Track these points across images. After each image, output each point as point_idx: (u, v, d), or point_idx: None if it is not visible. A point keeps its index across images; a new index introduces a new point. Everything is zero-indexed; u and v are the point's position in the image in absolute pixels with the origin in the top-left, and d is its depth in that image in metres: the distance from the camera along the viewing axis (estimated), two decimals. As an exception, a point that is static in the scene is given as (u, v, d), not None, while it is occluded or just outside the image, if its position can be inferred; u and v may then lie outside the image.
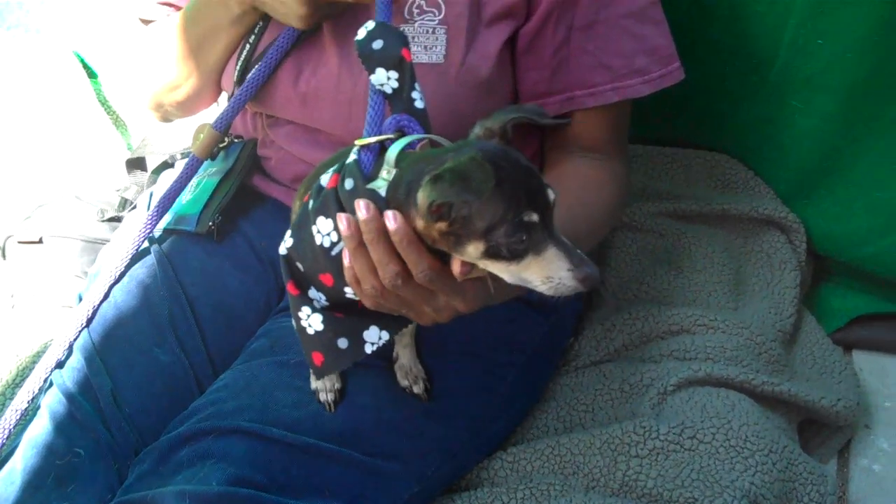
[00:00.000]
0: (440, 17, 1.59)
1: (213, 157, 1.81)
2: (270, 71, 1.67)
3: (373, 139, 1.25)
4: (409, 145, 1.24)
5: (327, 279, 1.32)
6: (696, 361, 1.89)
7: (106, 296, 1.74)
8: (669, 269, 2.15)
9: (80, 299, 1.80)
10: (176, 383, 1.66)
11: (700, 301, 2.08)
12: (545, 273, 1.15)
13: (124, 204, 2.26)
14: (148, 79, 1.85)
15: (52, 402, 1.62)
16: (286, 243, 1.35)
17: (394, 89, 1.31)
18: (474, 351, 1.71)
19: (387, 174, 1.21)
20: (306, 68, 1.66)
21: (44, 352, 1.71)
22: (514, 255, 1.14)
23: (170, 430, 1.53)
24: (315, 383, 1.54)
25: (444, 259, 1.20)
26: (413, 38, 1.58)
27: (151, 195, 1.97)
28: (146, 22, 1.86)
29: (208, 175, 1.82)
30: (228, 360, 1.69)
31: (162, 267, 1.76)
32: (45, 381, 1.67)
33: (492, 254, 1.14)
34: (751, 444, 1.68)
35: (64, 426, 1.58)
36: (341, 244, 1.25)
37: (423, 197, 1.12)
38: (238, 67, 1.72)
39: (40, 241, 2.23)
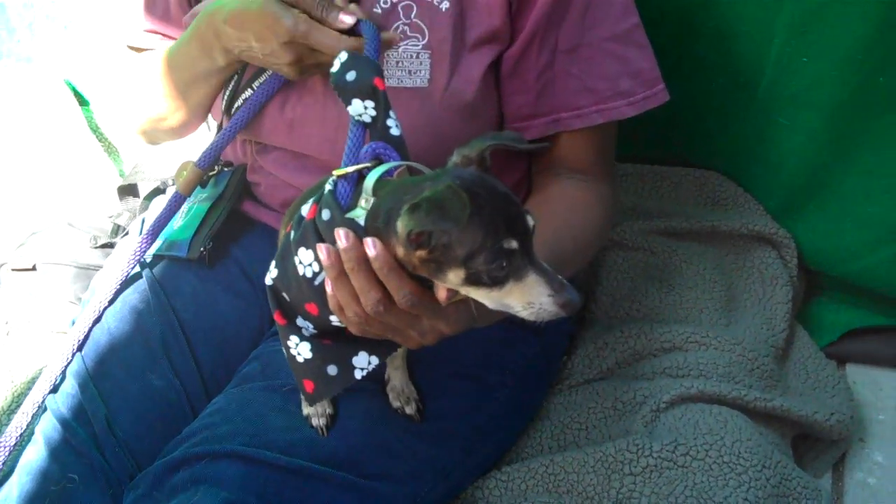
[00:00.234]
0: (424, 41, 1.60)
1: (202, 184, 1.82)
2: (256, 110, 1.69)
3: (350, 168, 1.26)
4: (387, 173, 1.25)
5: (312, 308, 1.32)
6: (689, 378, 1.89)
7: (98, 318, 1.75)
8: (661, 286, 2.15)
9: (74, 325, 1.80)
10: (169, 408, 1.66)
11: (692, 318, 2.08)
12: (526, 299, 1.16)
13: (117, 230, 2.27)
14: (135, 110, 1.86)
15: (47, 428, 1.62)
16: (271, 274, 1.36)
17: (372, 118, 1.32)
18: (466, 371, 1.72)
19: (365, 203, 1.22)
20: (293, 95, 1.67)
21: (39, 377, 1.72)
22: (495, 282, 1.15)
23: (164, 455, 1.53)
24: (307, 409, 1.55)
25: (424, 283, 1.21)
26: (397, 62, 1.59)
27: (143, 221, 1.97)
28: (135, 49, 1.87)
29: (199, 201, 1.83)
30: (222, 384, 1.69)
31: (154, 292, 1.76)
32: (40, 406, 1.68)
33: (472, 280, 1.15)
34: (744, 460, 1.68)
35: (58, 452, 1.59)
36: (323, 274, 1.25)
37: (401, 226, 1.12)
38: (226, 98, 1.73)
39: (34, 269, 2.23)
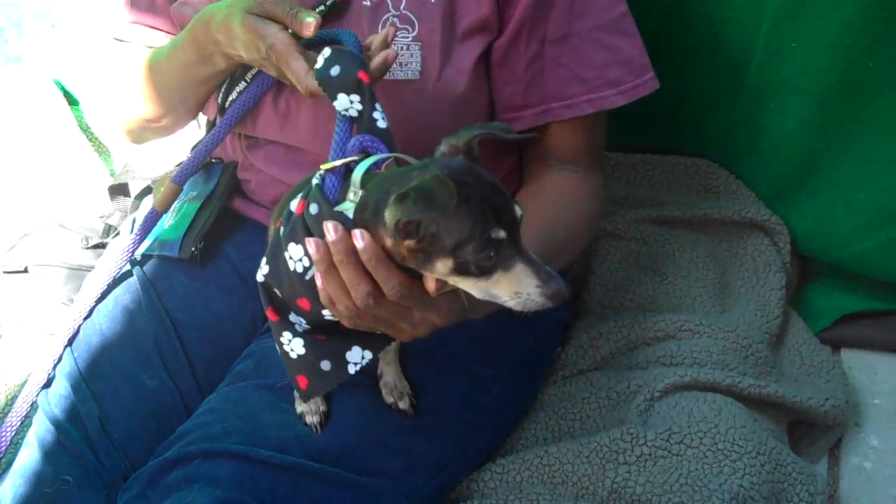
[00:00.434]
0: (414, 33, 1.60)
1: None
2: (241, 116, 1.69)
3: (338, 162, 1.26)
4: (375, 165, 1.25)
5: (304, 303, 1.33)
6: (683, 367, 1.89)
7: (88, 315, 1.76)
8: (654, 275, 2.15)
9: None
10: (163, 408, 1.66)
11: (685, 306, 2.08)
12: (514, 289, 1.16)
13: (108, 230, 2.26)
14: (124, 111, 1.86)
15: (40, 430, 1.62)
16: (262, 270, 1.36)
17: (359, 112, 1.32)
18: (459, 365, 1.72)
19: (353, 196, 1.22)
20: (286, 88, 1.67)
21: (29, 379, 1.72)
22: (483, 272, 1.15)
23: (157, 455, 1.53)
24: (300, 407, 1.54)
25: (414, 275, 1.21)
26: None
27: (134, 221, 1.97)
28: (121, 41, 1.86)
29: (189, 200, 1.82)
30: (215, 383, 1.69)
31: (146, 292, 1.76)
32: (32, 403, 1.69)
33: (460, 270, 1.15)
34: (738, 447, 1.68)
35: (52, 454, 1.59)
36: (314, 268, 1.25)
37: (389, 216, 1.13)
38: (221, 93, 1.73)
39: (25, 271, 2.23)
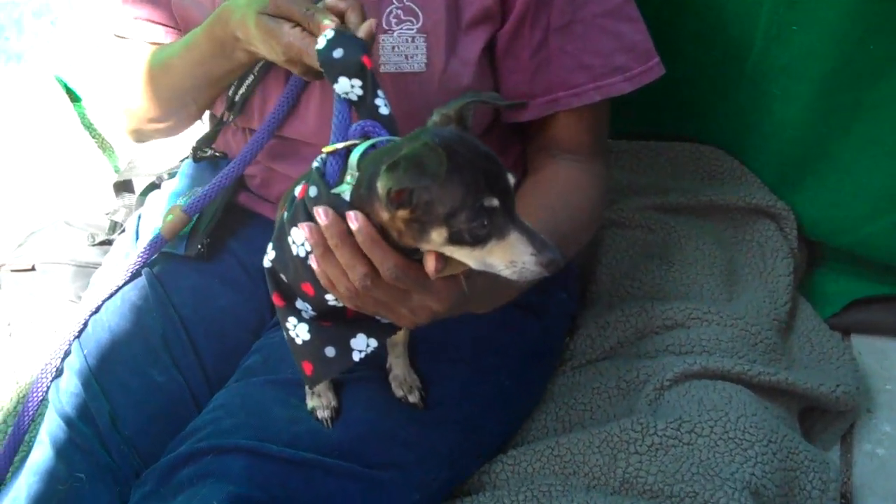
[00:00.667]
0: (418, 25, 1.59)
1: (196, 160, 1.87)
2: (259, 149, 1.68)
3: (340, 145, 1.27)
4: (373, 148, 1.25)
5: (308, 288, 1.33)
6: (692, 355, 1.89)
7: (96, 310, 1.76)
8: (661, 263, 2.15)
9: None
10: (173, 403, 1.66)
11: (693, 294, 2.08)
12: (509, 258, 1.16)
13: (114, 227, 2.26)
14: (128, 111, 1.86)
15: (52, 428, 1.63)
16: (269, 256, 1.37)
17: (359, 96, 1.33)
18: (468, 357, 1.71)
19: (350, 178, 1.22)
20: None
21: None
22: (477, 240, 1.15)
23: (169, 451, 1.54)
24: (311, 402, 1.55)
25: (412, 258, 1.21)
26: (393, 47, 1.59)
27: (140, 217, 1.97)
28: (122, 38, 1.86)
29: (193, 195, 1.81)
30: (224, 378, 1.69)
31: (153, 289, 1.76)
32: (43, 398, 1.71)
33: (455, 239, 1.15)
34: (749, 435, 1.68)
35: (64, 451, 1.59)
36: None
37: (381, 186, 1.13)
38: (231, 89, 1.72)
39: (33, 269, 2.23)
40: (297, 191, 1.30)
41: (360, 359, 1.40)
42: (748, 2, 2.08)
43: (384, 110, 1.33)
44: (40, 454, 1.61)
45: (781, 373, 1.85)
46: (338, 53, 1.34)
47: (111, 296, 1.77)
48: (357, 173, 1.22)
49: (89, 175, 2.70)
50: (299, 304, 1.39)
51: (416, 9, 1.59)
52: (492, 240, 1.15)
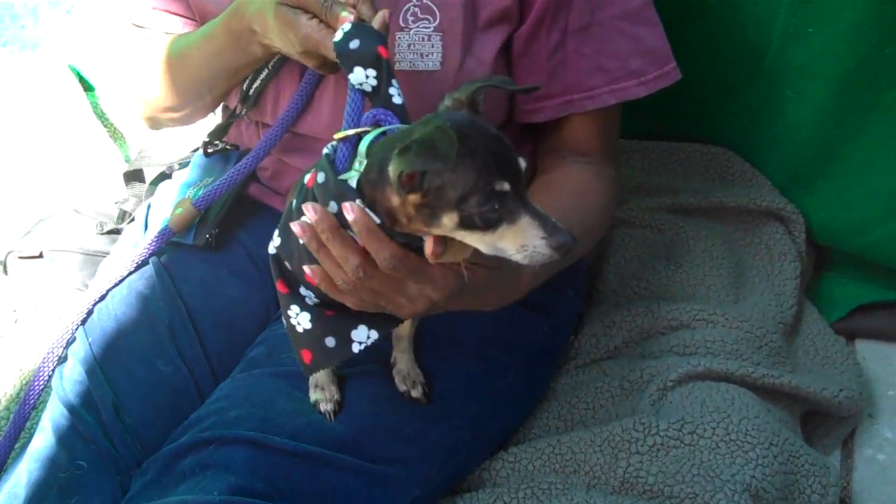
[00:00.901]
0: (435, 23, 1.59)
1: (207, 155, 1.86)
2: (265, 153, 1.69)
3: (350, 132, 1.28)
4: (384, 135, 1.26)
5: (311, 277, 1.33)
6: (696, 356, 1.89)
7: (101, 298, 1.76)
8: (668, 263, 2.15)
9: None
10: (177, 393, 1.66)
11: (699, 295, 2.08)
12: (520, 241, 1.16)
13: (123, 216, 2.27)
14: (144, 100, 1.86)
15: (55, 415, 1.63)
16: (274, 242, 1.37)
17: (373, 87, 1.33)
18: (473, 353, 1.72)
19: (359, 165, 1.23)
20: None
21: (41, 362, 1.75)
22: (488, 225, 1.15)
23: (172, 441, 1.54)
24: (315, 395, 1.55)
25: (409, 247, 1.22)
26: (409, 45, 1.59)
27: (150, 207, 1.97)
28: (140, 27, 1.87)
29: (205, 185, 1.82)
30: (229, 369, 1.69)
31: (160, 278, 1.76)
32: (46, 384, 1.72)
33: (466, 224, 1.15)
34: (751, 438, 1.68)
35: (66, 439, 1.60)
36: None
37: (392, 169, 1.13)
38: (246, 82, 1.73)
39: (41, 256, 2.24)
40: (307, 179, 1.31)
41: (360, 350, 1.40)
42: (764, 3, 2.07)
43: (397, 100, 1.33)
44: (42, 441, 1.61)
45: (785, 376, 1.85)
46: (354, 44, 1.34)
47: (117, 284, 1.77)
48: (365, 160, 1.22)
49: (100, 164, 2.71)
50: (303, 290, 1.39)
51: (434, 7, 1.59)
52: (503, 224, 1.15)
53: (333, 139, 1.29)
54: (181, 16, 1.82)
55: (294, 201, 1.33)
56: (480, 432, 1.70)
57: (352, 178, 1.22)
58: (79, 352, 1.70)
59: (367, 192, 1.20)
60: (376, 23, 1.41)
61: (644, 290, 2.10)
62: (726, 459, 1.65)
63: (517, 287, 1.46)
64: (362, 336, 1.39)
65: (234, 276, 1.81)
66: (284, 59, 1.66)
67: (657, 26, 1.71)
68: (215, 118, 1.94)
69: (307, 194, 1.29)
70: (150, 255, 1.79)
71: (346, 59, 1.35)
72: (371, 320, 1.39)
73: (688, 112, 2.34)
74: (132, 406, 1.63)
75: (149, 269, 1.79)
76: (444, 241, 1.19)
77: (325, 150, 1.28)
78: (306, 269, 1.26)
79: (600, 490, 1.66)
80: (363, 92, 1.35)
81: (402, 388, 1.61)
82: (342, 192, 1.21)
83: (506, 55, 1.67)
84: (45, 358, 1.72)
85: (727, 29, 2.17)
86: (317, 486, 1.48)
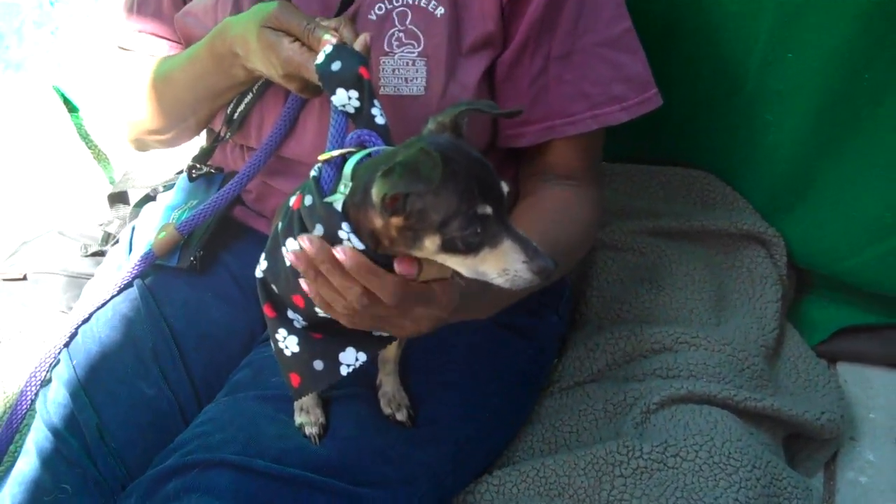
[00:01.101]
0: (419, 48, 1.60)
1: (191, 179, 1.86)
2: (249, 179, 1.69)
3: (335, 153, 1.28)
4: (369, 157, 1.26)
5: (299, 300, 1.33)
6: (679, 379, 1.90)
7: (86, 319, 1.76)
8: (650, 287, 2.16)
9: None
10: (161, 416, 1.66)
11: (682, 318, 2.09)
12: (501, 265, 1.17)
13: (107, 238, 2.26)
14: (130, 122, 1.87)
15: (39, 438, 1.63)
16: (261, 266, 1.38)
17: (356, 108, 1.35)
18: (458, 376, 1.72)
19: (344, 188, 1.23)
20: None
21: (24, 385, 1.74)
22: (470, 248, 1.16)
23: (156, 464, 1.53)
24: (300, 418, 1.55)
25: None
26: (393, 70, 1.60)
27: (134, 229, 1.97)
28: (125, 50, 1.87)
29: (189, 208, 1.82)
30: (214, 392, 1.69)
31: (144, 301, 1.76)
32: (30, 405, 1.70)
33: (448, 247, 1.16)
34: (734, 461, 1.68)
35: (50, 462, 1.59)
36: None
37: (376, 192, 1.14)
38: (231, 106, 1.74)
39: (24, 278, 2.23)
40: (292, 201, 1.31)
41: (348, 373, 1.40)
42: (744, 28, 2.10)
43: (380, 120, 1.35)
44: (26, 464, 1.60)
45: (767, 399, 1.86)
46: (336, 66, 1.36)
47: (101, 306, 1.77)
48: (351, 183, 1.22)
49: (84, 185, 2.71)
50: (290, 314, 1.39)
51: (418, 32, 1.60)
52: (484, 248, 1.16)
53: (318, 160, 1.29)
54: (167, 39, 1.83)
55: (280, 224, 1.33)
56: (465, 455, 1.70)
57: (337, 200, 1.23)
58: (63, 375, 1.69)
59: (352, 214, 1.20)
60: (358, 45, 1.43)
61: (627, 313, 2.11)
62: (710, 482, 1.66)
63: (510, 293, 1.47)
64: (350, 358, 1.39)
65: (219, 298, 1.81)
66: (269, 83, 1.67)
67: (638, 53, 1.72)
68: (200, 140, 1.95)
69: (292, 217, 1.29)
70: (133, 278, 1.78)
71: (329, 81, 1.36)
72: (359, 342, 1.39)
73: (669, 136, 2.36)
74: (116, 429, 1.62)
75: (133, 292, 1.78)
76: (418, 262, 1.19)
77: (311, 173, 1.29)
78: (303, 283, 1.24)
79: (584, 513, 1.67)
80: (346, 113, 1.36)
81: (387, 410, 1.61)
82: (328, 216, 1.22)
83: (489, 80, 1.68)
84: (28, 381, 1.72)
85: (707, 54, 2.19)
86: (300, 509, 1.47)
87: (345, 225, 1.20)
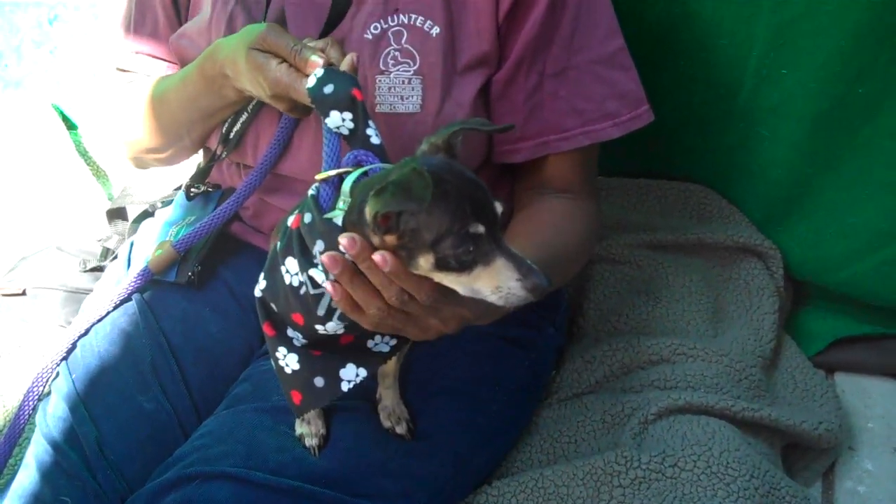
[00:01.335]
0: (415, 67, 1.61)
1: (189, 198, 1.86)
2: (245, 198, 1.71)
3: (332, 172, 1.29)
4: (366, 175, 1.27)
5: (298, 318, 1.34)
6: (677, 390, 1.90)
7: (84, 333, 1.76)
8: (648, 299, 2.17)
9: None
10: (160, 430, 1.66)
11: (679, 330, 2.10)
12: (495, 283, 1.18)
13: (106, 254, 2.27)
14: (128, 141, 1.88)
15: (38, 452, 1.63)
16: (260, 285, 1.38)
17: (350, 129, 1.35)
18: (457, 388, 1.72)
19: (343, 204, 1.24)
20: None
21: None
22: (463, 267, 1.17)
23: (155, 477, 1.53)
24: (300, 429, 1.55)
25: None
26: (390, 88, 1.61)
27: (132, 245, 1.98)
28: (123, 71, 1.89)
29: (187, 224, 1.83)
30: (212, 406, 1.69)
31: (143, 315, 1.76)
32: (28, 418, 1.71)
33: (441, 265, 1.17)
34: (732, 470, 1.69)
35: (50, 475, 1.59)
36: (309, 285, 1.28)
37: (368, 210, 1.16)
38: (225, 126, 1.75)
39: (23, 293, 2.23)
40: (291, 221, 1.32)
41: (349, 389, 1.41)
42: (738, 44, 2.11)
43: (375, 140, 1.36)
44: (26, 478, 1.60)
45: (765, 409, 1.87)
46: (328, 89, 1.37)
47: (99, 320, 1.78)
48: (349, 199, 1.24)
49: (83, 202, 2.72)
50: (290, 332, 1.40)
51: (414, 51, 1.61)
52: (478, 266, 1.17)
53: (315, 180, 1.30)
54: (163, 59, 1.85)
55: (278, 244, 1.34)
56: (464, 467, 1.70)
57: (337, 216, 1.24)
58: (62, 388, 1.70)
59: (350, 231, 1.21)
60: (345, 65, 1.44)
61: (624, 325, 2.12)
62: (707, 492, 1.66)
63: None
64: (351, 374, 1.40)
65: (217, 312, 1.82)
66: (263, 102, 1.68)
67: (631, 70, 1.74)
68: (198, 157, 1.96)
69: (291, 236, 1.30)
70: (131, 293, 1.79)
71: (322, 104, 1.37)
72: (359, 358, 1.40)
73: (665, 150, 2.38)
74: (115, 442, 1.62)
75: (132, 307, 1.79)
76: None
77: (310, 192, 1.30)
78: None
79: (583, 523, 1.67)
80: (340, 135, 1.37)
81: (386, 424, 1.61)
82: (329, 231, 1.23)
83: (484, 98, 1.69)
84: (27, 394, 1.72)
85: (702, 70, 2.20)
86: (300, 521, 1.47)
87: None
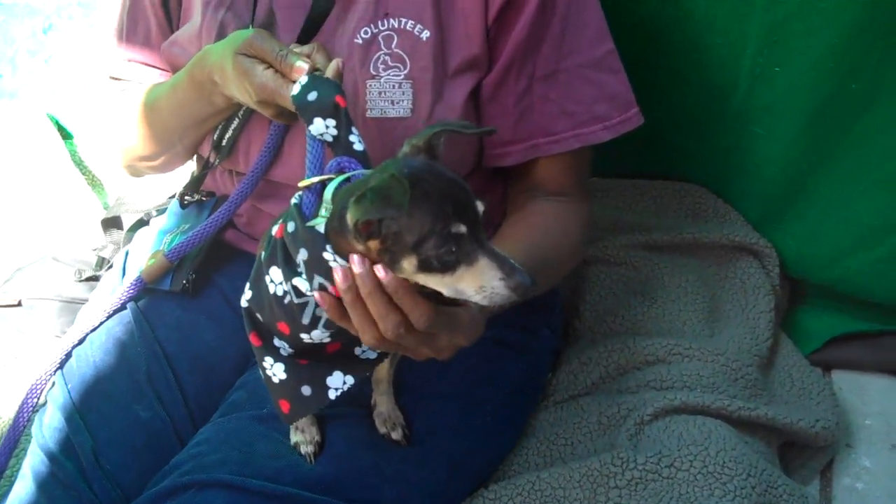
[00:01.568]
0: (405, 71, 1.61)
1: (183, 207, 1.86)
2: (237, 206, 1.71)
3: (315, 179, 1.30)
4: (348, 181, 1.28)
5: (284, 327, 1.34)
6: (673, 390, 1.90)
7: (80, 342, 1.77)
8: (643, 300, 2.17)
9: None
10: (156, 439, 1.66)
11: (675, 330, 2.09)
12: (478, 283, 1.18)
13: (101, 263, 2.27)
14: (122, 149, 1.88)
15: (35, 462, 1.63)
16: (246, 296, 1.39)
17: (333, 136, 1.36)
18: (452, 393, 1.72)
19: (325, 212, 1.24)
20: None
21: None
22: (446, 267, 1.17)
23: (151, 486, 1.53)
24: (295, 437, 1.55)
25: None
26: (380, 92, 1.61)
27: (127, 254, 1.98)
28: (116, 79, 1.89)
29: (181, 232, 1.83)
30: (208, 414, 1.69)
31: (138, 324, 1.77)
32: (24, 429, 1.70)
33: (424, 267, 1.17)
34: (729, 470, 1.68)
35: (46, 485, 1.60)
36: (293, 294, 1.28)
37: (350, 218, 1.15)
38: (217, 133, 1.75)
39: (19, 304, 2.24)
40: (275, 230, 1.32)
41: (336, 397, 1.41)
42: (732, 43, 2.11)
43: (358, 146, 1.36)
44: (22, 488, 1.61)
45: (761, 408, 1.87)
46: (312, 96, 1.37)
47: (94, 329, 1.78)
48: (331, 206, 1.24)
49: (78, 211, 2.72)
50: (277, 341, 1.40)
51: (404, 56, 1.61)
52: (461, 266, 1.17)
53: (298, 187, 1.31)
54: (156, 67, 1.85)
55: (263, 254, 1.34)
56: (460, 471, 1.70)
57: (319, 224, 1.24)
58: (58, 398, 1.70)
59: (333, 238, 1.22)
60: (330, 71, 1.45)
61: (620, 326, 2.12)
62: (704, 492, 1.66)
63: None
64: (338, 382, 1.40)
65: (211, 320, 1.82)
66: (253, 109, 1.68)
67: (620, 73, 1.74)
68: (192, 166, 1.96)
69: (276, 245, 1.30)
70: (125, 302, 1.79)
71: (305, 111, 1.38)
72: (346, 366, 1.40)
73: (660, 151, 2.38)
74: (111, 452, 1.63)
75: (127, 316, 1.79)
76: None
77: (293, 200, 1.30)
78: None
79: (580, 525, 1.67)
80: (323, 141, 1.38)
81: (382, 430, 1.61)
82: (312, 239, 1.23)
83: (474, 101, 1.69)
84: (23, 405, 1.72)
85: (696, 69, 2.21)
86: (296, 527, 1.47)
87: (329, 247, 1.21)
